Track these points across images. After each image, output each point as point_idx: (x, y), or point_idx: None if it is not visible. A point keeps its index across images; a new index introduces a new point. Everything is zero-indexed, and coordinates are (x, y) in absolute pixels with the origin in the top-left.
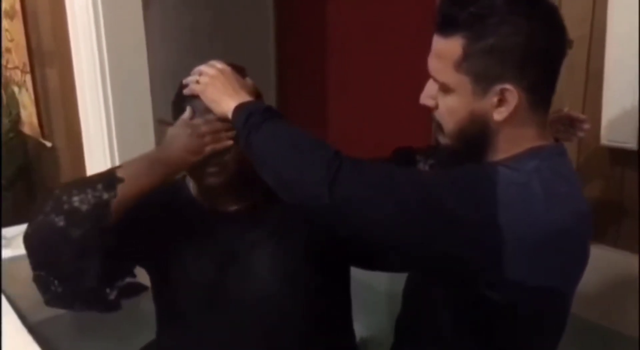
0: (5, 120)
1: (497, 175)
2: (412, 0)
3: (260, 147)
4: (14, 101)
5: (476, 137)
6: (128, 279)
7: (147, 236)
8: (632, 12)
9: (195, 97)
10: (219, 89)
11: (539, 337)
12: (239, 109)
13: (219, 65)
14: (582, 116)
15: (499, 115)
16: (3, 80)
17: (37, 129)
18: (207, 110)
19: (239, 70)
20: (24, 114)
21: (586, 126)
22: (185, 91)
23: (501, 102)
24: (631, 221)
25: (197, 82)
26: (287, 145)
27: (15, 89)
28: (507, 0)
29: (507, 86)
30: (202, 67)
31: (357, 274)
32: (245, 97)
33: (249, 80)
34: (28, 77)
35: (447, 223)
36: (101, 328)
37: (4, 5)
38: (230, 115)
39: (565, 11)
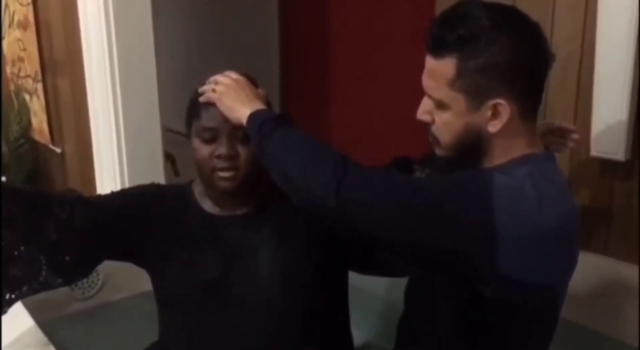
0: (16, 127)
1: (492, 179)
2: (414, 9)
3: (272, 152)
4: (25, 108)
5: (471, 148)
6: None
7: (149, 238)
8: (620, 30)
9: (210, 104)
10: (234, 98)
11: (533, 335)
12: (252, 116)
13: (234, 75)
14: (571, 127)
15: (493, 127)
16: (14, 88)
17: (47, 136)
18: (222, 116)
19: (252, 80)
20: (34, 121)
21: (576, 136)
22: (201, 99)
23: (495, 115)
24: (619, 229)
25: (213, 90)
26: (296, 150)
27: (27, 97)
28: (492, 22)
29: (500, 101)
30: (218, 77)
31: (356, 281)
32: (258, 105)
33: (261, 90)
34: (39, 85)
35: (446, 224)
36: (105, 328)
37: (17, 16)
38: (244, 122)
39: (558, 29)
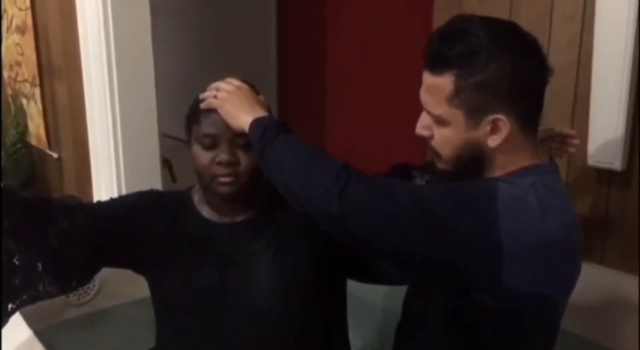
0: (13, 132)
1: (497, 189)
2: (412, 14)
3: (274, 160)
4: (22, 113)
5: (472, 163)
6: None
7: (149, 245)
8: (616, 40)
9: (210, 110)
10: (236, 104)
11: (533, 345)
12: (255, 123)
13: (236, 82)
14: (571, 132)
15: (492, 142)
16: (12, 93)
17: (44, 140)
18: (223, 123)
19: (252, 87)
20: (31, 126)
21: (576, 141)
22: (203, 105)
23: (494, 130)
24: (616, 239)
25: (215, 97)
26: (299, 158)
27: (24, 101)
28: (491, 37)
29: (499, 116)
30: (220, 83)
31: (354, 289)
32: (260, 113)
33: (262, 98)
34: (37, 90)
35: (447, 233)
36: (102, 335)
37: (15, 21)
38: (246, 129)
39: (554, 38)
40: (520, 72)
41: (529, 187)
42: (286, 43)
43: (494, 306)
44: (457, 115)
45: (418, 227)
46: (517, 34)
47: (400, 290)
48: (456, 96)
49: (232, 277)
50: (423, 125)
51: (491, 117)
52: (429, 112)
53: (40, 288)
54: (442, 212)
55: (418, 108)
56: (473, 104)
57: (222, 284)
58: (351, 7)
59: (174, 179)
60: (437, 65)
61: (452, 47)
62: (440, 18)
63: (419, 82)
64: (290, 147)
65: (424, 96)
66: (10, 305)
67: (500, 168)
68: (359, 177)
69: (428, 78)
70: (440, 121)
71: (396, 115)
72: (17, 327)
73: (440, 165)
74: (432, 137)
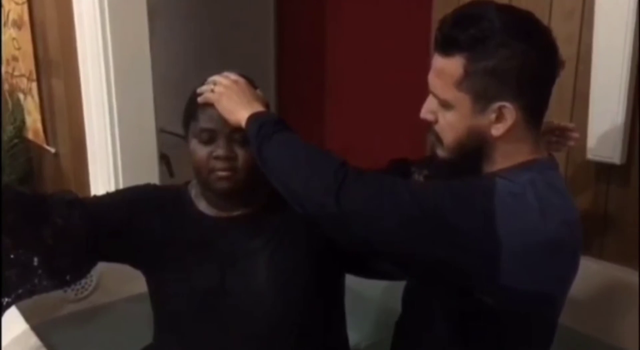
0: (10, 127)
1: (495, 186)
2: (411, 13)
3: (271, 157)
4: (19, 108)
5: (474, 150)
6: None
7: (148, 242)
8: (616, 35)
9: (208, 105)
10: (233, 99)
11: (531, 342)
12: (252, 119)
13: (233, 76)
14: (570, 125)
15: (496, 131)
16: (8, 88)
17: (41, 135)
18: (220, 118)
19: (249, 81)
20: (28, 121)
21: (575, 135)
22: (200, 99)
23: (499, 118)
24: (615, 233)
25: (212, 91)
26: (296, 155)
27: (21, 96)
28: (506, 24)
29: (506, 104)
30: (217, 77)
31: (352, 284)
32: (258, 108)
33: (259, 92)
34: (34, 85)
35: (446, 232)
36: (99, 331)
37: (12, 15)
38: (243, 124)
39: (554, 32)
40: (530, 62)
41: (528, 184)
42: (285, 42)
43: (493, 305)
44: (464, 100)
45: (417, 226)
46: (532, 24)
47: (399, 285)
48: (465, 80)
49: (232, 276)
50: (428, 109)
51: (497, 104)
52: (436, 96)
53: (36, 282)
54: (441, 212)
55: (418, 107)
56: (481, 89)
57: (222, 283)
58: (351, 7)
59: (171, 175)
60: (449, 47)
61: (465, 30)
62: (439, 17)
63: (418, 82)
64: (287, 144)
65: (433, 79)
66: (5, 299)
67: (500, 160)
68: (357, 175)
69: (438, 60)
70: (446, 105)
71: (396, 114)
72: (15, 325)
73: (440, 152)
74: (436, 121)
